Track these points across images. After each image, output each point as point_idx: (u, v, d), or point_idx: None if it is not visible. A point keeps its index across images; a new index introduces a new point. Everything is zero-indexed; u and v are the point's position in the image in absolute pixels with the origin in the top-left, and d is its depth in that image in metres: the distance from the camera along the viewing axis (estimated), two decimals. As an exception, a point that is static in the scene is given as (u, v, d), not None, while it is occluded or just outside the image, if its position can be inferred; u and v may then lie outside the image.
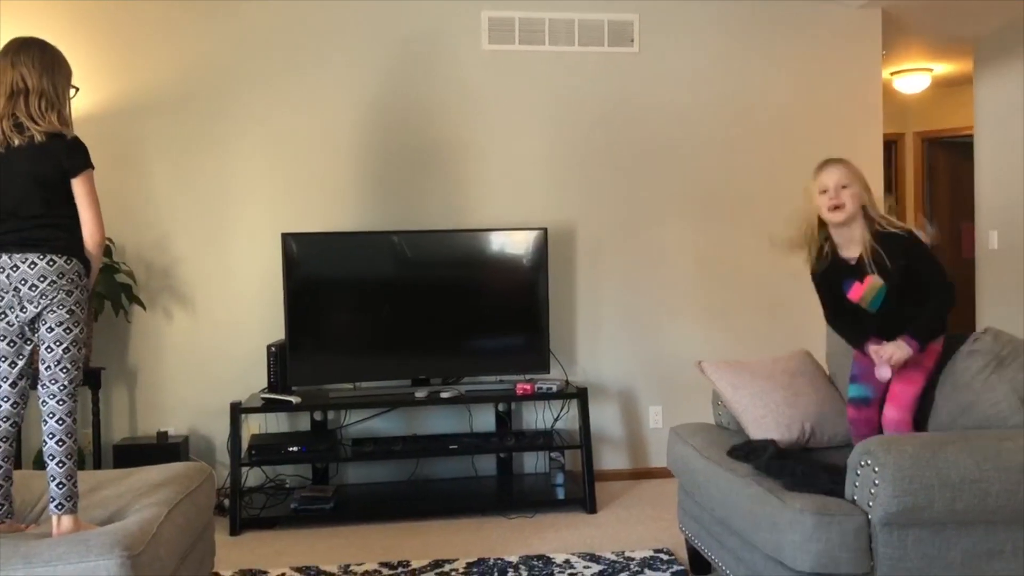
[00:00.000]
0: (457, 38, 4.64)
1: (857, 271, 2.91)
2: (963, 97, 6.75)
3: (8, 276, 2.47)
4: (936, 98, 7.35)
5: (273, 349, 4.25)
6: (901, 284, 2.86)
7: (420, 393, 4.26)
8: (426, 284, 4.40)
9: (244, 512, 4.05)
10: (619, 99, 4.77)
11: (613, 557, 3.54)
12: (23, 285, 2.46)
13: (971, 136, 6.14)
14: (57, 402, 2.47)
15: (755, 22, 4.87)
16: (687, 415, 4.65)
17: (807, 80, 4.90)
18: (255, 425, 4.42)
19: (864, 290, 2.90)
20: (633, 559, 3.52)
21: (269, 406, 4.18)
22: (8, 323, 2.51)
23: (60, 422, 2.46)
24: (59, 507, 2.42)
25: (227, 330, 4.48)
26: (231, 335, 4.47)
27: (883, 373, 2.86)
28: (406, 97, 4.60)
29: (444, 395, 4.24)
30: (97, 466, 4.20)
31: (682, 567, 3.42)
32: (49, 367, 2.48)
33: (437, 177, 4.63)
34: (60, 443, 2.45)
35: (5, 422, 2.56)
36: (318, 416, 4.39)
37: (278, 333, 4.31)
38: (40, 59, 2.58)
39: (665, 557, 3.53)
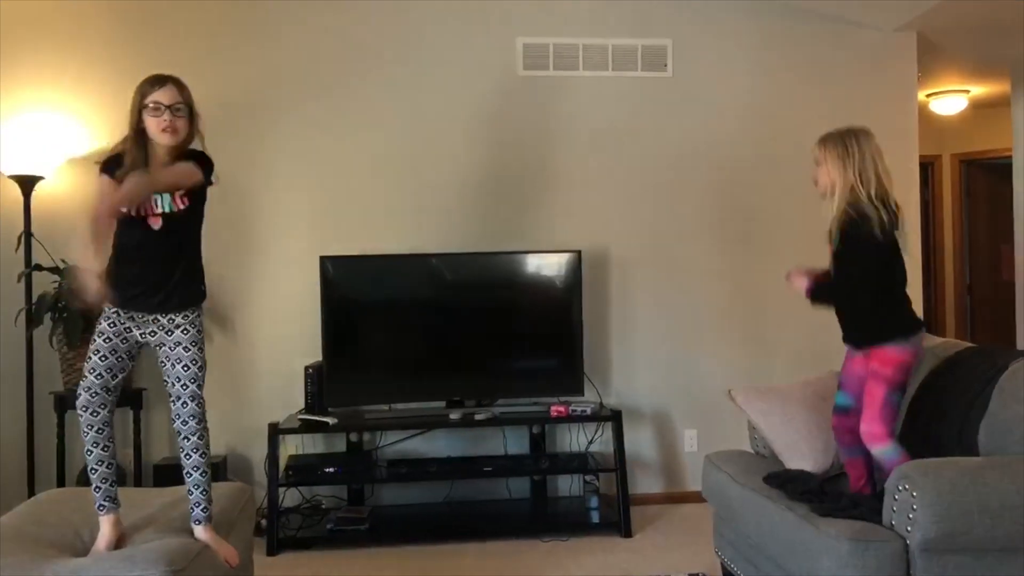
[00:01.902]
0: (492, 64, 4.70)
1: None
2: (1001, 118, 6.68)
3: None
4: (974, 120, 7.28)
5: (310, 370, 4.30)
6: (842, 264, 2.93)
7: (455, 415, 4.29)
8: (461, 306, 4.44)
9: (281, 532, 4.09)
10: (653, 123, 4.80)
11: (648, 581, 3.53)
12: None
13: (1010, 157, 6.07)
14: None
15: (789, 46, 4.89)
16: (723, 439, 4.63)
17: (842, 103, 4.88)
18: (292, 446, 4.47)
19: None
20: (668, 583, 3.50)
21: (306, 427, 4.22)
22: None
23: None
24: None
25: (265, 351, 4.54)
26: (269, 356, 4.54)
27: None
28: (441, 122, 4.67)
29: (478, 417, 4.26)
30: (138, 485, 4.27)
31: (718, 592, 3.40)
32: None
33: (472, 200, 4.68)
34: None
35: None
36: (354, 437, 4.43)
37: (315, 354, 4.36)
38: None
39: (700, 582, 3.51)
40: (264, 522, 4.08)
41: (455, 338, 4.43)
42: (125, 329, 2.68)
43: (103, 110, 4.40)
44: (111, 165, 2.63)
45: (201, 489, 2.70)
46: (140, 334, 2.70)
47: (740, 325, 4.83)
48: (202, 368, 2.74)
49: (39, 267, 4.22)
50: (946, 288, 7.74)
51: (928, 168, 7.64)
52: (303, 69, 4.60)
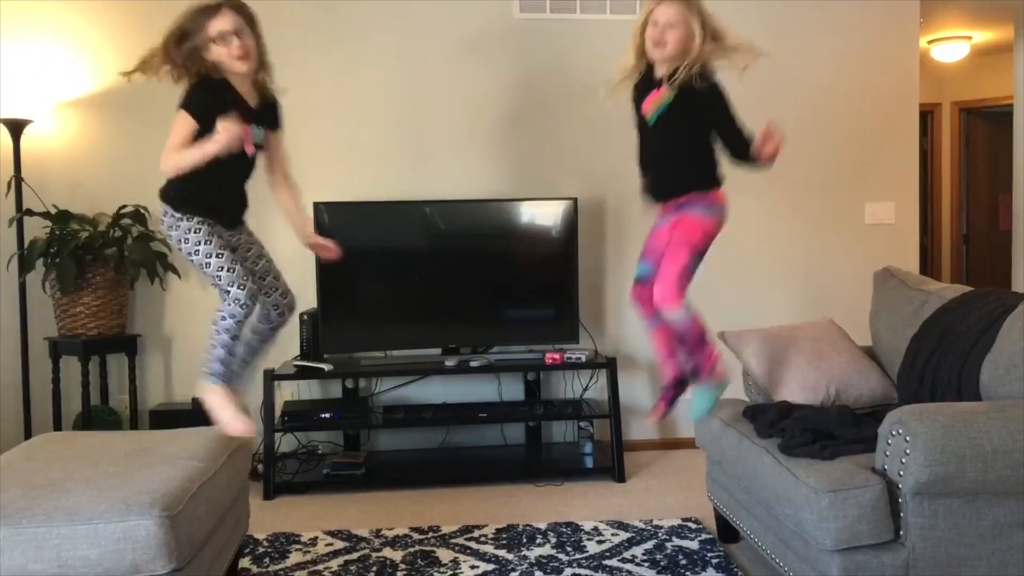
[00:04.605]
0: (488, 6, 4.61)
1: (658, 84, 2.93)
2: (1003, 66, 6.60)
3: None
4: (975, 67, 7.20)
5: (305, 317, 4.29)
6: (683, 107, 2.90)
7: (450, 362, 4.29)
8: (457, 253, 4.42)
9: (277, 477, 4.12)
10: (651, 68, 4.73)
11: (641, 525, 3.57)
12: None
13: (1011, 106, 6.01)
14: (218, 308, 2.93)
15: (790, -11, 4.80)
16: (716, 386, 4.65)
17: (842, 49, 4.82)
18: (288, 392, 4.48)
19: (655, 98, 2.93)
20: (661, 527, 3.54)
21: (302, 373, 4.23)
22: None
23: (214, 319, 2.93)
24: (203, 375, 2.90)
25: (260, 298, 4.52)
26: (264, 303, 4.52)
27: None
28: (437, 66, 4.60)
29: (474, 364, 4.27)
30: (134, 430, 4.28)
31: (710, 535, 3.44)
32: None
33: (468, 146, 4.63)
34: (213, 324, 2.92)
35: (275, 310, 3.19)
36: (350, 384, 4.44)
37: (310, 301, 4.35)
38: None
39: (693, 526, 3.55)
40: (260, 467, 4.12)
41: (451, 285, 4.42)
42: (219, 232, 2.96)
43: (95, 54, 4.32)
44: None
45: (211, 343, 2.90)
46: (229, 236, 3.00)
47: (735, 273, 4.82)
48: None
49: (30, 212, 4.18)
50: (943, 237, 7.73)
51: (928, 116, 7.58)
52: (295, 13, 4.51)
